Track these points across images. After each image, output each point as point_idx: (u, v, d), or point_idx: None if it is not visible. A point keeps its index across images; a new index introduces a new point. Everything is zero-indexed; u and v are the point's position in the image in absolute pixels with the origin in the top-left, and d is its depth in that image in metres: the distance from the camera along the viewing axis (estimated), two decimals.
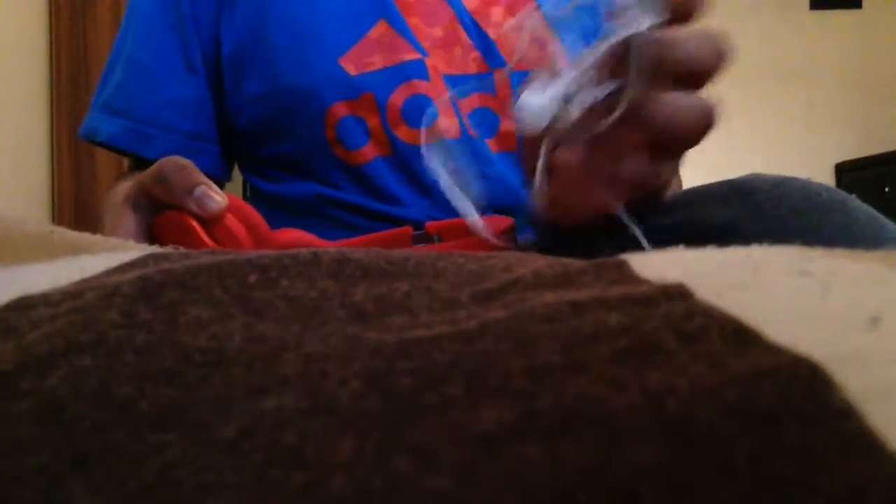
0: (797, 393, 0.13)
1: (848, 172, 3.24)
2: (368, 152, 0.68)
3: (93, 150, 2.00)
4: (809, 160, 3.33)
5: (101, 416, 0.14)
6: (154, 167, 0.49)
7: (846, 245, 0.38)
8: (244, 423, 0.14)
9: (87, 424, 0.14)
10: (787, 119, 3.37)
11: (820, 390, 0.13)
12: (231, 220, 0.49)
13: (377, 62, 0.68)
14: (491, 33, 0.71)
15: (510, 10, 0.72)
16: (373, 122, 0.67)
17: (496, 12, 0.71)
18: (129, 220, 0.52)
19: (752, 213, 0.42)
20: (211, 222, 0.48)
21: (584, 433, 0.12)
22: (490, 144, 0.70)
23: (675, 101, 0.38)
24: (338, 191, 0.70)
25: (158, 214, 0.50)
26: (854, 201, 0.41)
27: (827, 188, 0.42)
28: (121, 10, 2.04)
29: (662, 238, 0.43)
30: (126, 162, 0.79)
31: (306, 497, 0.12)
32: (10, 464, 0.13)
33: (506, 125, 0.70)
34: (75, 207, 2.04)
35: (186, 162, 0.49)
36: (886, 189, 2.95)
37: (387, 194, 0.68)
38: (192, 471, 0.13)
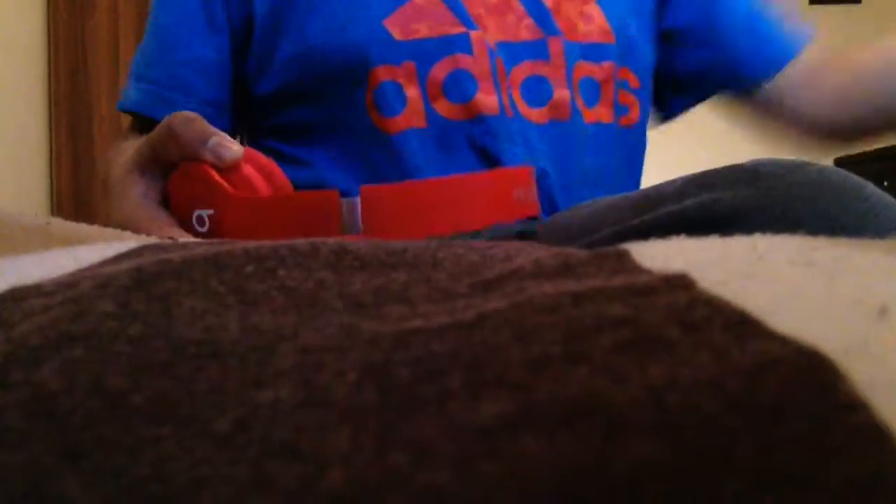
0: (802, 384, 0.12)
1: (847, 167, 3.22)
2: (402, 122, 0.67)
3: (92, 149, 2.00)
4: (810, 155, 3.32)
5: (94, 409, 0.14)
6: (162, 124, 0.49)
7: (861, 233, 0.38)
8: (239, 415, 0.14)
9: (80, 417, 0.14)
10: None
11: (826, 382, 0.12)
12: (248, 169, 0.49)
13: (422, 30, 0.67)
14: (545, 0, 0.70)
15: None
16: (411, 92, 0.67)
17: None
18: (139, 186, 0.51)
19: (762, 198, 0.41)
20: (228, 171, 0.48)
21: (584, 426, 0.12)
22: (537, 114, 0.69)
23: None
24: (356, 161, 0.69)
25: (172, 173, 0.49)
26: (870, 187, 0.41)
27: (842, 173, 0.41)
28: (119, 11, 2.04)
29: (670, 223, 0.43)
30: (126, 123, 0.78)
31: (302, 491, 0.12)
32: (1, 456, 0.13)
33: (558, 94, 0.69)
34: (74, 206, 2.04)
35: (195, 115, 0.49)
36: (885, 183, 2.95)
37: (409, 167, 0.67)
38: (186, 464, 0.13)
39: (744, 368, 0.13)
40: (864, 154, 3.05)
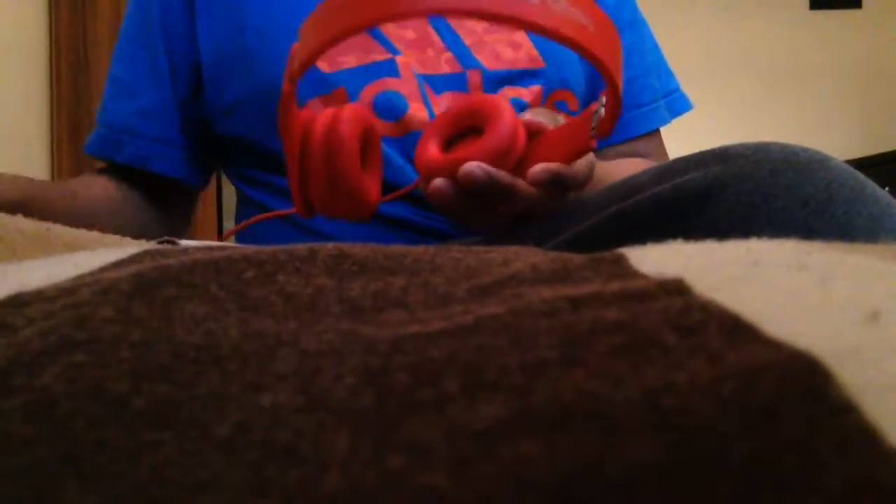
0: (796, 388, 0.12)
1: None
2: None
3: None
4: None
5: (95, 413, 0.14)
6: None
7: (827, 201, 0.40)
8: (239, 420, 0.14)
9: (81, 421, 0.14)
10: (786, 119, 3.37)
11: (819, 385, 0.13)
12: None
13: (350, 61, 0.71)
14: (464, 36, 0.75)
15: None
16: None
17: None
18: None
19: (732, 175, 0.43)
20: None
21: (580, 429, 0.12)
22: None
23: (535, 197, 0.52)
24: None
25: None
26: (834, 160, 0.42)
27: (806, 149, 0.43)
28: (121, 10, 2.04)
29: (647, 208, 0.46)
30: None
31: (301, 494, 0.12)
32: (2, 460, 0.13)
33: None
34: None
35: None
36: (887, 189, 2.94)
37: None
38: (186, 468, 0.13)
39: (738, 372, 0.13)
40: (866, 159, 3.05)
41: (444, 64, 0.73)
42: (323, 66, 0.71)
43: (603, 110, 0.49)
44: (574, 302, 0.17)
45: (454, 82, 0.73)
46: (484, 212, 0.54)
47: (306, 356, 0.16)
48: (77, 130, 1.99)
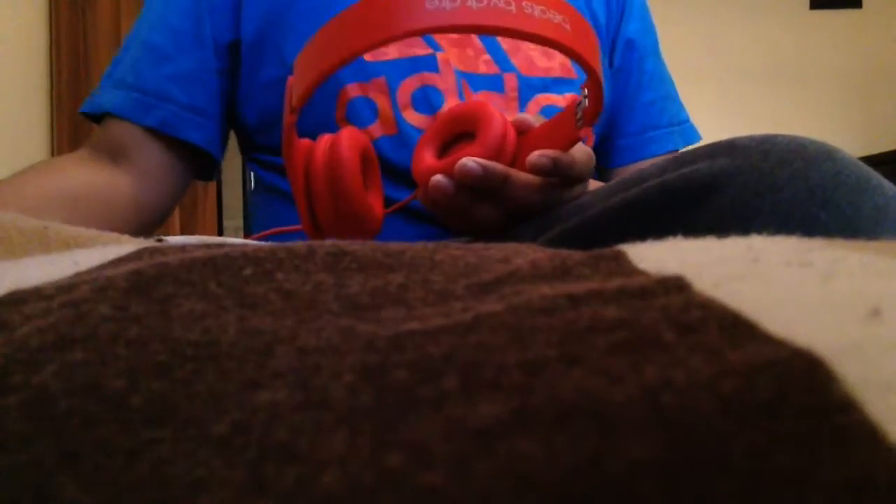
0: (796, 385, 0.12)
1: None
2: (375, 131, 0.72)
3: None
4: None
5: (93, 411, 0.14)
6: None
7: (833, 191, 0.40)
8: (237, 418, 0.14)
9: (79, 419, 0.14)
10: (786, 119, 3.37)
11: (819, 383, 0.12)
12: None
13: (391, 52, 0.73)
14: (501, 40, 0.77)
15: None
16: (382, 103, 0.72)
17: None
18: None
19: (739, 165, 0.43)
20: None
21: (580, 427, 0.12)
22: None
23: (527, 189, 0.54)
24: None
25: None
26: (841, 152, 0.43)
27: (813, 141, 0.43)
28: (121, 9, 2.04)
29: (654, 196, 0.46)
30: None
31: (299, 493, 0.12)
32: (0, 459, 0.13)
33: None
34: None
35: None
36: None
37: (383, 167, 0.71)
38: (184, 467, 0.13)
39: (738, 370, 0.13)
40: (866, 158, 3.05)
41: (482, 64, 0.76)
42: (365, 54, 0.72)
43: (587, 101, 0.51)
44: (573, 299, 0.17)
45: (491, 83, 0.75)
46: (483, 209, 0.55)
47: (304, 354, 0.16)
48: (77, 130, 1.99)
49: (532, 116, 0.60)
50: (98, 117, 0.77)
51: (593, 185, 0.64)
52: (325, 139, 0.57)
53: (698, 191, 0.44)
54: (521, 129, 0.58)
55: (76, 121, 2.00)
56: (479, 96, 0.74)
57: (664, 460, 0.11)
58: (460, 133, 0.60)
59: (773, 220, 0.41)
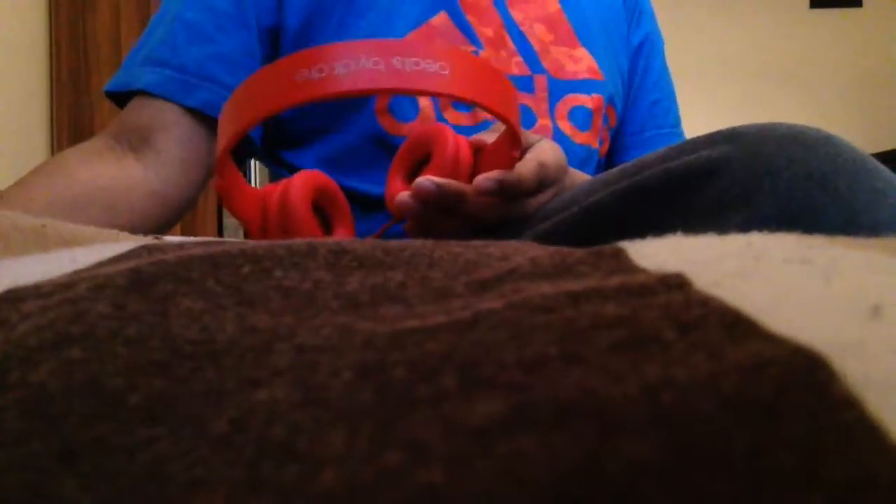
0: (797, 383, 0.12)
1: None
2: (415, 128, 0.73)
3: None
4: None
5: (91, 409, 0.14)
6: None
7: (831, 174, 0.41)
8: (236, 416, 0.14)
9: (76, 417, 0.14)
10: (786, 118, 3.36)
11: (820, 380, 0.12)
12: None
13: None
14: (534, 44, 0.79)
15: (551, 28, 0.81)
16: (424, 101, 0.73)
17: (539, 28, 0.81)
18: None
19: (739, 150, 0.44)
20: None
21: (579, 426, 0.12)
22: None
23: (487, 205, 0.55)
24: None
25: None
26: (839, 138, 0.43)
27: (812, 128, 0.44)
28: (121, 9, 2.04)
29: (657, 182, 0.48)
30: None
31: (297, 491, 0.12)
32: None
33: (541, 122, 0.78)
34: None
35: None
36: None
37: None
38: (183, 465, 0.13)
39: (738, 368, 0.13)
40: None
41: (514, 66, 0.78)
42: None
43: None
44: (573, 297, 0.17)
45: (522, 84, 0.77)
46: (449, 225, 0.58)
47: (303, 351, 0.16)
48: (77, 131, 1.99)
49: (488, 133, 0.62)
50: (122, 99, 0.73)
51: (582, 177, 0.66)
52: (281, 187, 0.57)
53: (700, 176, 0.45)
54: (479, 147, 0.60)
55: (76, 121, 2.00)
56: None
57: (664, 459, 0.11)
58: (423, 157, 0.62)
59: (772, 203, 0.42)
